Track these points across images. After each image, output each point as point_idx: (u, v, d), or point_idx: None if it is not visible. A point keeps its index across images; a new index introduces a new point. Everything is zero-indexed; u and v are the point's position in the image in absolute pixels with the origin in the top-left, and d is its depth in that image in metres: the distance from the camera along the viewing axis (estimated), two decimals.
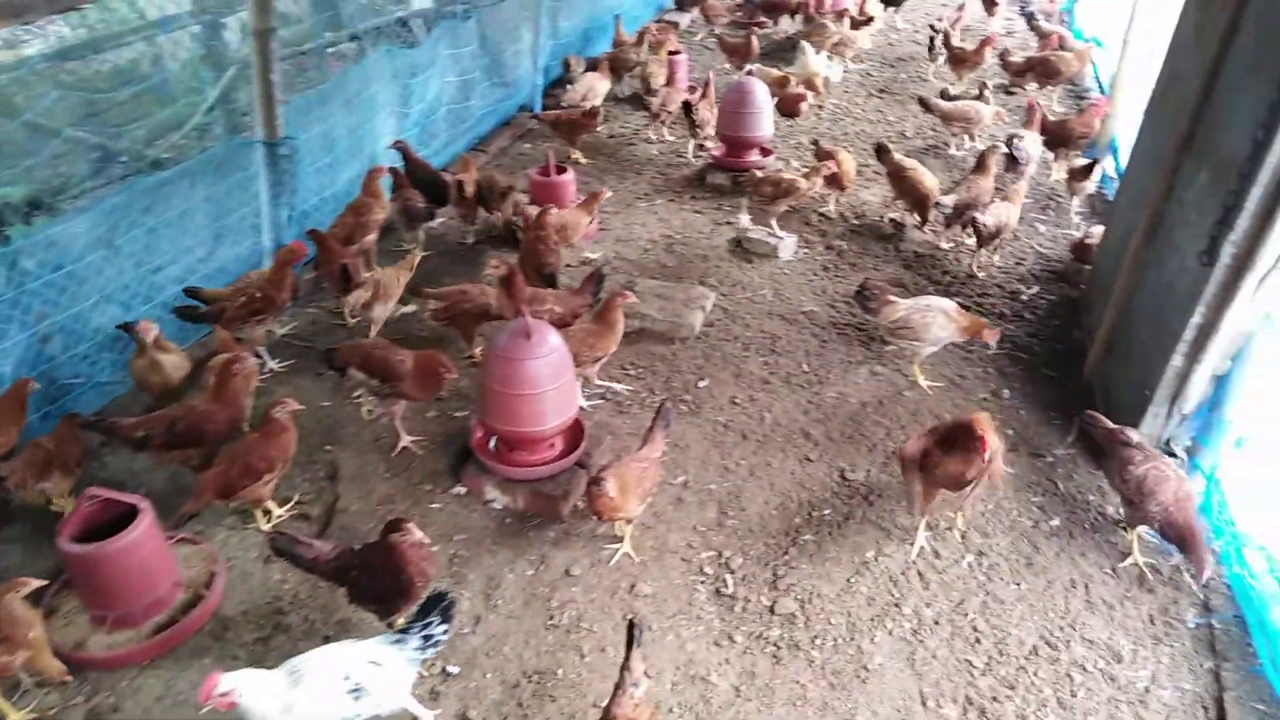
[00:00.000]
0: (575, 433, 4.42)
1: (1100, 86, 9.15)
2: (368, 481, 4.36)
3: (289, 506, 4.17)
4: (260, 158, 5.37)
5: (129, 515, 3.46)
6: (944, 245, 6.61)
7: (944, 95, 8.38)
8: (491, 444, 4.37)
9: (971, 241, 6.29)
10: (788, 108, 8.27)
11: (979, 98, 8.18)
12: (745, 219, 6.64)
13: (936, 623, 3.68)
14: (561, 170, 6.69)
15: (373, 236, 5.97)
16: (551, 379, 4.02)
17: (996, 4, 11.56)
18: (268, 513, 4.09)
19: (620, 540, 3.98)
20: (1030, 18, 10.66)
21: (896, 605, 3.76)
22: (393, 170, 6.28)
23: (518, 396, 3.98)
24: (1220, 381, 4.05)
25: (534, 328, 4.00)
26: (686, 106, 7.85)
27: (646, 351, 5.40)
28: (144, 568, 3.48)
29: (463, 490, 4.31)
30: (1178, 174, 4.35)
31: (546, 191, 6.53)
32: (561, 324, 4.96)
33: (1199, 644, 3.59)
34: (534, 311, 4.82)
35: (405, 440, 4.55)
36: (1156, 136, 4.87)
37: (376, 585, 3.30)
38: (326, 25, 9.05)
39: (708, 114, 7.84)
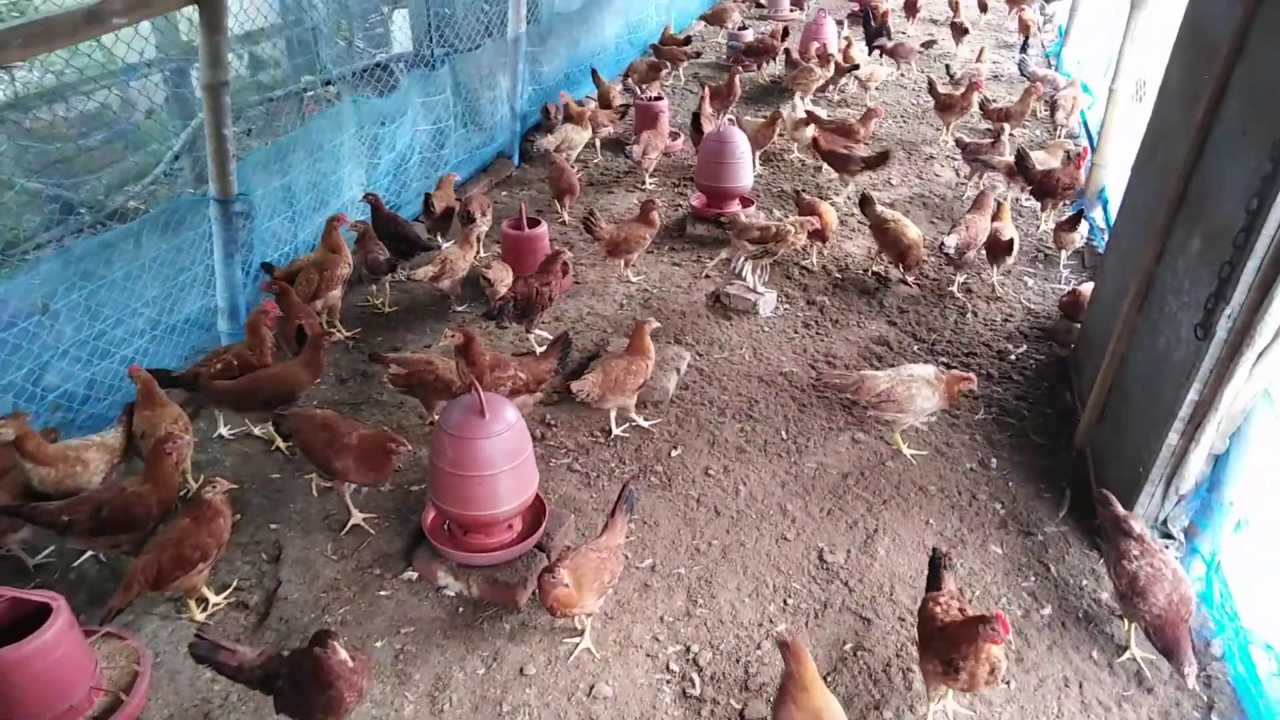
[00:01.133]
0: (536, 511, 4.16)
1: (1089, 134, 9.01)
2: (313, 565, 4.07)
3: (226, 594, 3.88)
4: (213, 214, 5.13)
5: (42, 613, 3.19)
6: (956, 290, 6.49)
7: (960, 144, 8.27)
8: (446, 524, 4.10)
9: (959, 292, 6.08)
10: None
11: (995, 144, 7.97)
12: (749, 275, 6.36)
13: None
14: (534, 223, 6.48)
15: (337, 292, 5.76)
16: (507, 458, 3.75)
17: (965, 32, 11.86)
18: (203, 601, 3.80)
19: (580, 633, 3.70)
20: (1023, 64, 10.61)
21: (877, 707, 3.47)
22: (360, 222, 6.07)
23: (470, 479, 3.71)
24: (1218, 461, 3.81)
25: (488, 403, 3.74)
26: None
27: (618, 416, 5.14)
28: (55, 674, 3.18)
29: (414, 575, 4.03)
30: (1169, 237, 4.14)
31: (518, 245, 6.32)
32: (526, 391, 4.72)
33: None
34: (496, 379, 4.59)
35: (356, 518, 4.27)
36: (1146, 194, 4.68)
37: (304, 699, 3.01)
38: (304, 70, 8.94)
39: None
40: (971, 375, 4.74)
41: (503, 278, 5.93)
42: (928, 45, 12.34)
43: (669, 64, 10.82)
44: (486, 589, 3.89)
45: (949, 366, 5.50)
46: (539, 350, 5.39)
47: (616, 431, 4.99)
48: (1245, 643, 3.53)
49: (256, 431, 4.89)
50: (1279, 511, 3.67)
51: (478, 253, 6.39)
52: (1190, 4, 4.60)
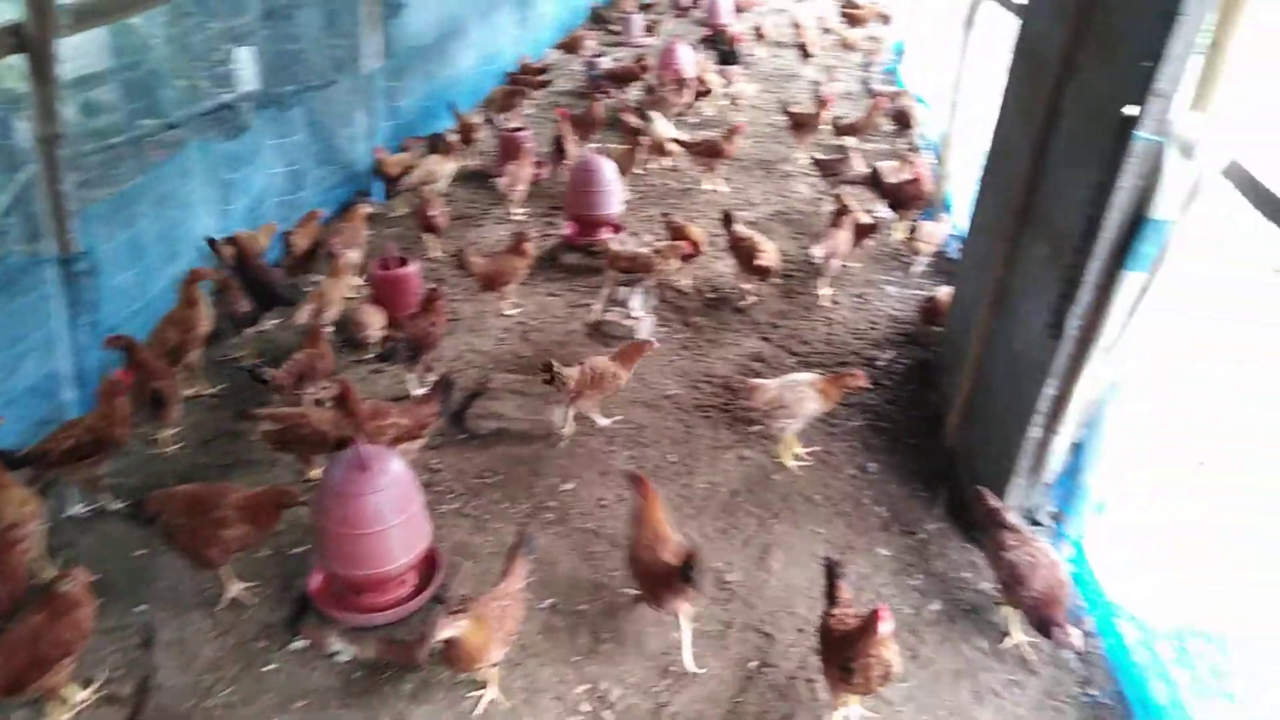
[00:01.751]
0: (429, 562, 4.03)
1: (932, 147, 9.53)
2: (189, 645, 3.81)
3: (93, 689, 3.58)
4: (53, 276, 4.77)
5: None
6: (822, 296, 6.73)
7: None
8: (335, 586, 3.92)
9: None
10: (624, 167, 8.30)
11: (845, 159, 8.33)
12: (635, 303, 6.40)
13: None
14: (402, 262, 6.33)
15: (198, 352, 5.44)
16: (396, 511, 3.63)
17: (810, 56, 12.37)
18: (65, 700, 3.50)
19: (484, 685, 3.60)
20: (867, 82, 11.17)
21: (787, 717, 3.52)
22: (218, 271, 5.77)
23: (358, 536, 3.57)
24: (1077, 449, 4.07)
25: (370, 457, 3.61)
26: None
27: (505, 455, 5.05)
28: None
29: (303, 644, 3.82)
30: (1017, 245, 4.41)
31: (388, 285, 6.16)
32: (409, 438, 4.58)
33: None
34: (377, 428, 4.44)
35: (233, 590, 4.03)
36: (994, 204, 4.98)
37: None
38: (144, 114, 8.46)
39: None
40: (858, 372, 4.91)
41: (375, 321, 5.77)
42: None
43: (526, 91, 10.85)
44: (384, 649, 3.72)
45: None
46: (416, 394, 5.25)
47: (604, 422, 5.27)
48: (1112, 616, 3.77)
49: (114, 507, 4.55)
50: (1134, 493, 3.95)
51: (348, 284, 6.20)
52: (1022, 24, 4.93)
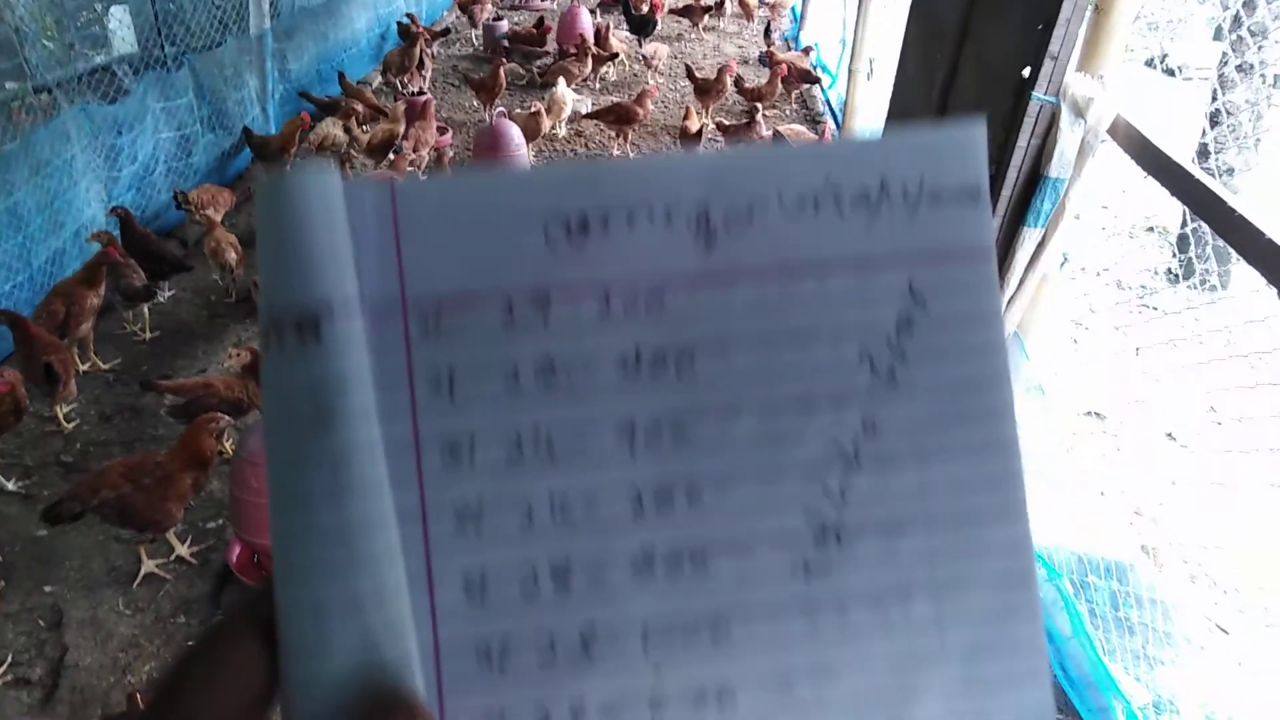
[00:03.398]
0: None
1: (833, 112, 9.76)
2: (104, 624, 3.67)
3: (0, 672, 3.43)
4: None
5: None
6: None
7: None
8: (255, 557, 3.83)
9: None
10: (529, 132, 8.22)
11: (751, 124, 8.42)
12: None
13: None
14: None
15: (88, 324, 5.17)
16: None
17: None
18: None
19: None
20: (769, 47, 11.30)
21: None
22: (105, 235, 5.46)
23: None
24: None
25: None
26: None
27: None
28: None
29: None
30: None
31: None
32: None
33: None
34: None
35: (148, 565, 3.89)
36: None
37: None
38: (9, 76, 7.89)
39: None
40: None
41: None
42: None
43: (425, 53, 10.57)
44: None
45: None
46: None
47: None
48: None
49: (10, 487, 4.32)
50: (1034, 438, 4.20)
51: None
52: None
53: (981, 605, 0.53)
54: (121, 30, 8.89)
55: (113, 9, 9.05)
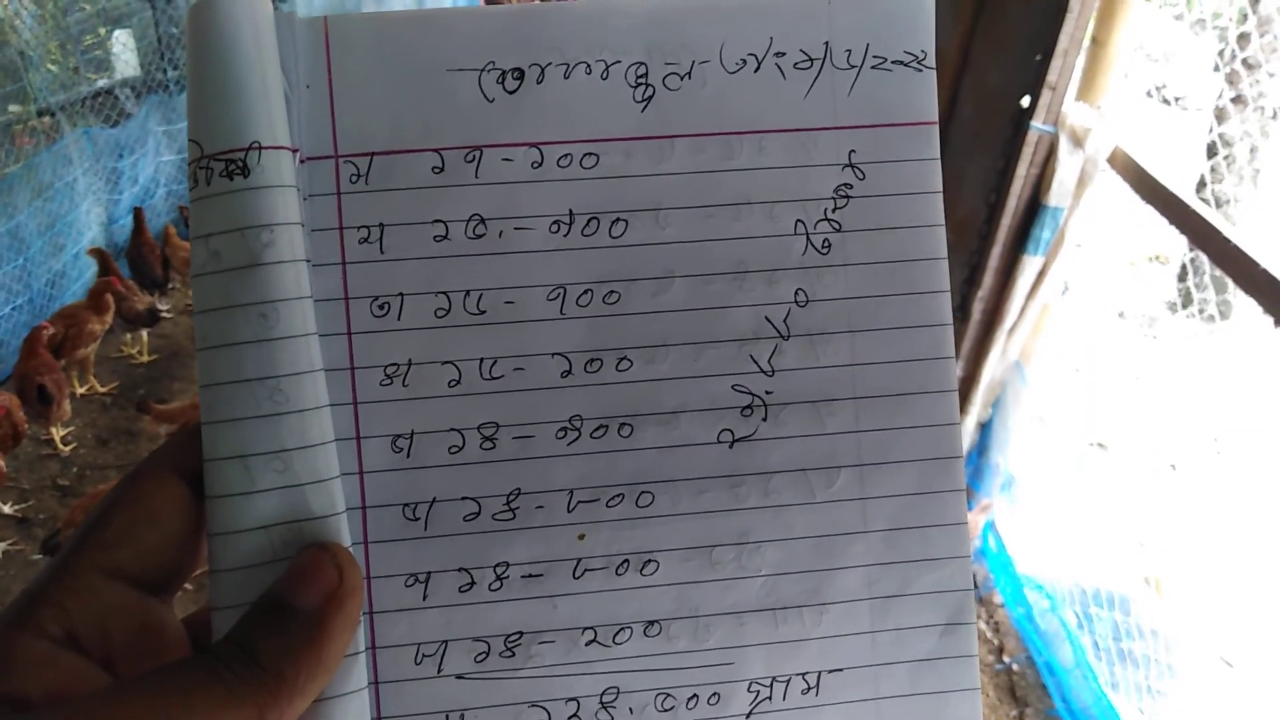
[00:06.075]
0: None
1: None
2: None
3: None
4: None
5: None
6: None
7: None
8: None
9: None
10: None
11: None
12: None
13: None
14: None
15: (88, 350, 5.15)
16: None
17: None
18: None
19: None
20: None
21: None
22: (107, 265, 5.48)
23: None
24: (984, 428, 4.27)
25: None
26: None
27: None
28: None
29: None
30: None
31: None
32: None
33: (1001, 692, 3.71)
34: None
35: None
36: None
37: None
38: (12, 99, 7.92)
39: None
40: None
41: None
42: None
43: None
44: None
45: None
46: None
47: None
48: (1020, 587, 3.99)
49: (7, 510, 4.29)
50: (1036, 468, 4.18)
51: None
52: None
53: (905, 482, 0.55)
54: (125, 54, 8.95)
55: (116, 32, 9.12)
